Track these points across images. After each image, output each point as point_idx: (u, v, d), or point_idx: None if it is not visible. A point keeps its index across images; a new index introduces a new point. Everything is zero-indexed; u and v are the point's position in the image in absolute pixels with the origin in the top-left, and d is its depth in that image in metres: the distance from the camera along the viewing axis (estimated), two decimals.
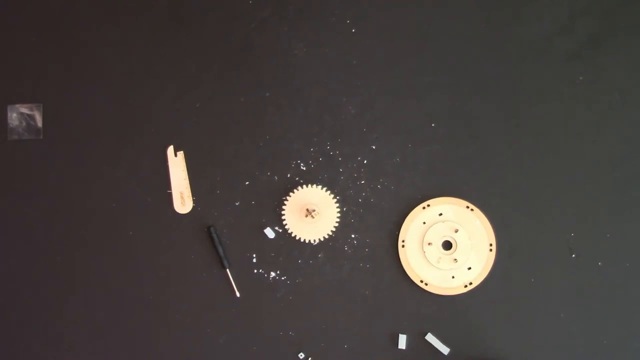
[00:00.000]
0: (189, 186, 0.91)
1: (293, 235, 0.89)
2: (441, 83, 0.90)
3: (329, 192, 0.89)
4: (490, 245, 0.87)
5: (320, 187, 0.89)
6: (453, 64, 0.91)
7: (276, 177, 0.91)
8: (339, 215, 0.89)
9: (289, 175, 0.91)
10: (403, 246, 0.88)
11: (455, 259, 0.87)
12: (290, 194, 0.89)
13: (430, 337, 0.87)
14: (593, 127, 0.89)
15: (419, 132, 0.90)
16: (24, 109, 0.93)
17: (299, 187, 0.89)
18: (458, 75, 0.91)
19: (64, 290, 0.91)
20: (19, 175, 0.92)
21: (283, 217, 0.89)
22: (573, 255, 0.88)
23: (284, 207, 0.89)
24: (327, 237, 0.89)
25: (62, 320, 0.90)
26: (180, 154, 0.92)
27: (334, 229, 0.89)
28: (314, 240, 0.89)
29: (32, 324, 0.90)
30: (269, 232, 0.90)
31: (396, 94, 0.90)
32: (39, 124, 0.93)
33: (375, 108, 0.90)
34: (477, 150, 0.89)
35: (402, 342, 0.88)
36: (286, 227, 0.89)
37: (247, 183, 0.91)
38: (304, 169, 0.91)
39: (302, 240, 0.89)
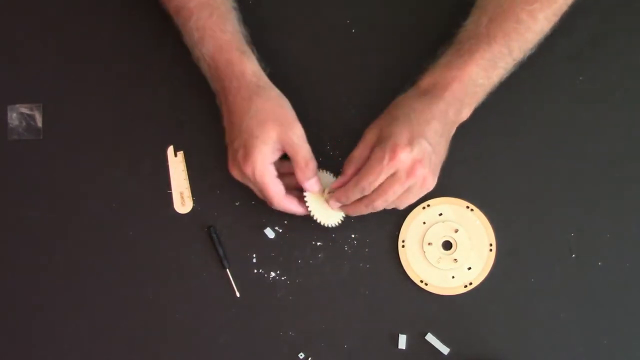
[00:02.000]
0: (189, 186, 0.91)
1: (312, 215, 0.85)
2: None
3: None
4: (490, 245, 0.87)
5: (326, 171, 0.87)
6: None
7: None
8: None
9: None
10: (403, 246, 0.88)
11: (455, 259, 0.87)
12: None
13: (430, 337, 0.87)
14: (593, 127, 0.89)
15: None
16: (24, 109, 0.93)
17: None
18: None
19: (63, 290, 0.90)
20: (19, 175, 0.92)
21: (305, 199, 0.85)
22: (573, 255, 0.88)
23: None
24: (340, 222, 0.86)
25: (62, 320, 0.90)
26: (180, 154, 0.92)
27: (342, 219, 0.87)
28: (333, 224, 0.86)
29: (31, 324, 0.90)
30: (269, 232, 0.90)
31: (396, 94, 0.90)
32: (39, 124, 0.93)
33: (375, 108, 0.90)
34: (477, 150, 0.89)
35: (402, 342, 0.88)
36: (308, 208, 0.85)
37: None
38: None
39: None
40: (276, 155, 0.81)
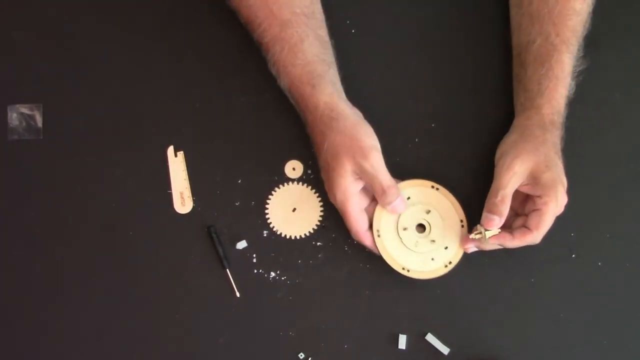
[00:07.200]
0: (189, 186, 0.91)
1: (279, 232, 0.89)
2: (441, 83, 0.90)
3: (310, 187, 0.89)
4: (462, 221, 0.86)
5: (302, 184, 0.89)
6: (453, 63, 0.91)
7: (276, 177, 0.91)
8: (322, 211, 0.89)
9: (289, 175, 0.91)
10: (379, 236, 0.86)
11: (433, 240, 0.86)
12: (272, 192, 0.89)
13: (430, 337, 0.87)
14: (593, 127, 0.89)
15: (420, 132, 0.90)
16: (24, 109, 0.93)
17: (280, 186, 0.89)
18: (458, 75, 0.91)
19: (63, 290, 0.90)
20: (19, 175, 0.92)
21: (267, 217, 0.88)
22: (573, 255, 0.88)
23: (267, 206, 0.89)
24: (311, 232, 0.88)
25: (62, 320, 0.90)
26: (180, 154, 0.92)
27: (315, 227, 0.88)
28: (297, 236, 0.89)
29: (31, 324, 0.90)
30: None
31: (396, 94, 0.90)
32: (39, 124, 0.93)
33: (375, 109, 0.90)
34: (477, 150, 0.89)
35: (402, 342, 0.88)
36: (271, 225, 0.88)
37: (247, 183, 0.91)
38: (303, 168, 0.90)
39: (288, 237, 0.89)
40: (359, 184, 0.83)
